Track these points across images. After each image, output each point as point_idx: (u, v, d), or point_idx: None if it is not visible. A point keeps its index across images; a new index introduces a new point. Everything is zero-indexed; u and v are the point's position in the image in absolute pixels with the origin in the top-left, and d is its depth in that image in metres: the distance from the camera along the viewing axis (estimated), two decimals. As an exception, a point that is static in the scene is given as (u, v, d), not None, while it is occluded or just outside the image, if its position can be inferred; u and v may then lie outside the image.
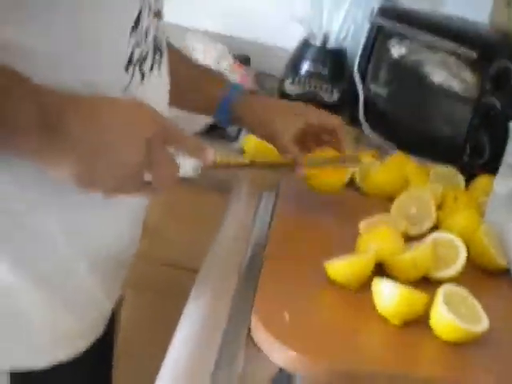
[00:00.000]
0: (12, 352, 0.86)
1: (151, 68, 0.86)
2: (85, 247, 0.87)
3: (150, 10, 0.83)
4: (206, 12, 1.94)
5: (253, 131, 1.16)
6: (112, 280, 0.97)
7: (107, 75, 0.79)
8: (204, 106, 1.15)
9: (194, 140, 0.81)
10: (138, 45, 0.81)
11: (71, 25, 0.73)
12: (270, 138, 1.11)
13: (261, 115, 1.10)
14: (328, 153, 1.10)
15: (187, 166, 0.82)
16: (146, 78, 0.84)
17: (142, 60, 0.83)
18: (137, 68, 0.82)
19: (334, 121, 1.13)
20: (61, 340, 0.91)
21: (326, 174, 1.10)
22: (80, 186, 0.73)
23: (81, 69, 0.76)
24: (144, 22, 0.82)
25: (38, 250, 0.83)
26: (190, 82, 1.10)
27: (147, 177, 0.76)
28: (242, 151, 1.42)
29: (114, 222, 0.90)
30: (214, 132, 1.51)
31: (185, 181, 0.81)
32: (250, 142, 1.31)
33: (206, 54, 1.64)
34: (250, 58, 1.85)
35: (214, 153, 0.80)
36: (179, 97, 1.02)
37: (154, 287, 1.48)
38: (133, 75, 0.81)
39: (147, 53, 0.84)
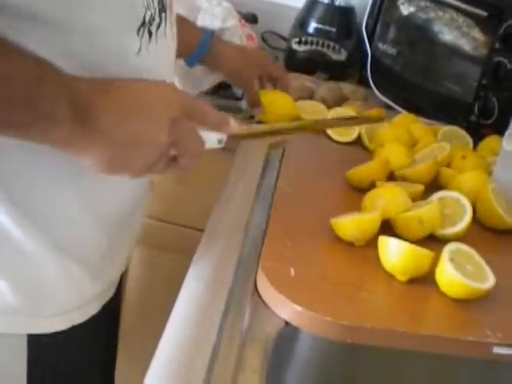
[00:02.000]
0: (29, 317, 0.88)
1: (158, 27, 0.86)
2: (95, 209, 0.88)
3: None
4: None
5: (223, 76, 1.35)
6: (122, 241, 0.98)
7: (121, 39, 0.79)
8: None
9: (216, 113, 0.82)
10: (148, 7, 0.82)
11: None
12: (238, 83, 1.35)
13: (231, 63, 1.29)
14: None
15: (212, 137, 0.82)
16: (152, 38, 0.84)
17: (151, 21, 0.83)
18: (146, 29, 0.82)
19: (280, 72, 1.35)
20: (76, 303, 0.92)
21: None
22: (110, 173, 0.75)
23: (94, 32, 0.76)
24: None
25: (51, 213, 0.84)
26: None
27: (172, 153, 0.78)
28: (247, 110, 1.42)
29: (113, 185, 0.89)
30: (219, 92, 1.51)
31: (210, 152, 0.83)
32: (267, 95, 1.30)
33: (211, 12, 1.62)
34: (257, 17, 1.83)
35: (236, 124, 0.83)
36: None
37: (160, 245, 1.48)
38: (142, 36, 0.82)
39: (154, 13, 0.84)
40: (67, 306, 0.91)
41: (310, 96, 1.45)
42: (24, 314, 0.87)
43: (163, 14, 0.88)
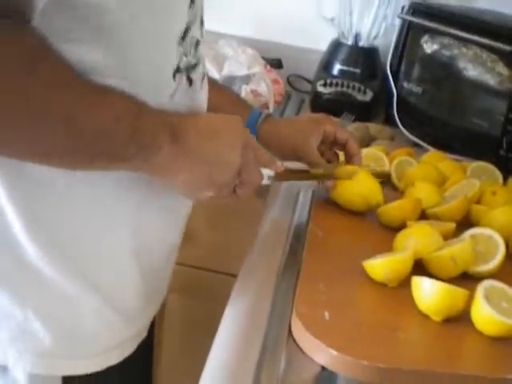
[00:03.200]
0: (65, 358, 0.89)
1: (202, 77, 0.92)
2: (136, 253, 0.90)
3: (201, 22, 0.90)
4: (236, 17, 1.95)
5: (277, 153, 1.15)
6: (158, 286, 1.00)
7: (154, 82, 0.82)
8: None
9: (267, 152, 0.94)
10: (185, 55, 0.85)
11: (115, 39, 0.76)
12: (295, 157, 1.13)
13: (282, 138, 1.14)
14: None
15: (264, 174, 0.91)
16: (193, 86, 0.89)
17: (191, 68, 0.87)
18: (184, 76, 0.86)
19: (345, 134, 1.15)
20: (111, 345, 0.93)
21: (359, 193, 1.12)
22: (198, 189, 0.85)
23: (126, 77, 0.78)
24: (194, 33, 0.87)
25: (93, 255, 0.86)
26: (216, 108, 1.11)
27: None
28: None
29: (159, 227, 0.93)
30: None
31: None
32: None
33: (237, 59, 1.65)
34: (281, 62, 1.86)
35: (280, 164, 0.94)
36: None
37: (193, 291, 1.49)
38: (179, 83, 0.85)
39: (197, 62, 0.89)
40: (103, 346, 0.92)
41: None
42: (60, 356, 0.88)
43: (201, 65, 0.92)
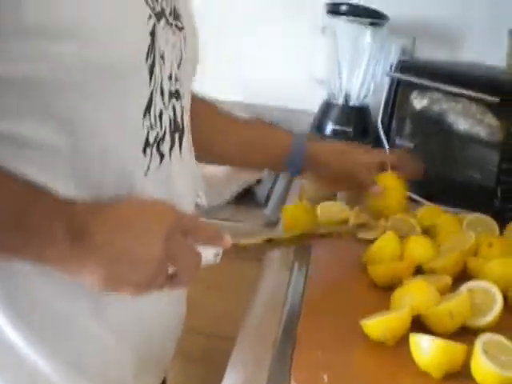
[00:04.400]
0: None
1: (171, 148, 0.87)
2: (129, 338, 0.88)
3: (162, 92, 0.84)
4: (226, 82, 1.98)
5: (328, 176, 1.19)
6: (153, 363, 0.97)
7: (125, 160, 0.80)
8: (271, 165, 1.21)
9: (211, 228, 0.83)
10: (152, 128, 0.82)
11: (80, 118, 0.76)
12: (349, 180, 1.18)
13: (332, 162, 1.15)
14: None
15: (208, 253, 0.83)
16: (165, 159, 0.86)
17: (160, 141, 0.84)
18: (154, 150, 0.83)
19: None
20: None
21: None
22: (107, 290, 0.76)
23: (95, 154, 0.78)
24: (157, 105, 0.83)
25: (67, 331, 0.84)
26: (251, 143, 1.14)
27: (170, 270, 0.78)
28: (270, 217, 1.43)
29: (155, 309, 0.91)
30: (243, 199, 1.53)
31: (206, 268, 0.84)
32: (288, 211, 1.31)
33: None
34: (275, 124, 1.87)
35: (230, 238, 0.83)
36: (244, 158, 1.13)
37: (191, 357, 1.47)
38: (151, 157, 0.83)
39: (164, 134, 0.85)
40: None
41: (332, 197, 1.46)
42: None
43: (176, 135, 0.89)
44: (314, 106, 1.86)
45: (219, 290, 1.44)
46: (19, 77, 0.71)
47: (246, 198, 1.54)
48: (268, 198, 1.56)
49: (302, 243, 1.15)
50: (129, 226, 0.75)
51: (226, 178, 1.53)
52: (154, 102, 0.82)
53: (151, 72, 0.81)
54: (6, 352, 0.81)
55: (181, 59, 0.89)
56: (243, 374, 0.90)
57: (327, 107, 1.82)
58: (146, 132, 0.82)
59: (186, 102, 0.93)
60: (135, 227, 0.76)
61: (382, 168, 1.18)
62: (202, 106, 1.11)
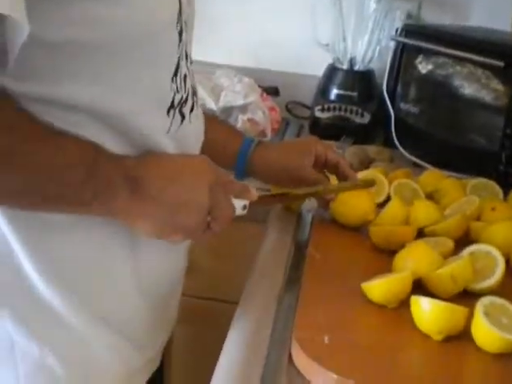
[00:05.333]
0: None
1: (191, 110, 0.92)
2: (142, 283, 0.91)
3: (187, 58, 0.90)
4: (232, 47, 1.97)
5: (271, 179, 1.17)
6: (165, 315, 1.01)
7: (151, 120, 0.84)
8: (222, 162, 1.16)
9: (239, 182, 0.92)
10: (177, 90, 0.86)
11: (114, 77, 0.78)
12: (290, 179, 1.13)
13: (274, 162, 1.14)
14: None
15: (237, 205, 0.90)
16: (186, 120, 0.90)
17: (182, 104, 0.88)
18: (177, 111, 0.87)
19: (336, 155, 1.16)
20: (123, 375, 0.94)
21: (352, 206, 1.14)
22: (163, 234, 0.84)
23: (125, 115, 0.80)
24: (182, 70, 0.88)
25: (99, 286, 0.87)
26: (212, 141, 1.11)
27: None
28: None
29: (160, 262, 0.94)
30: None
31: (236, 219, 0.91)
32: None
33: (233, 89, 1.67)
34: (278, 89, 1.87)
35: (255, 190, 0.92)
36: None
37: (196, 321, 1.49)
38: (173, 118, 0.87)
39: (187, 97, 0.90)
40: (114, 377, 0.93)
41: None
42: None
43: (195, 98, 0.94)
44: (318, 70, 1.85)
45: (222, 254, 1.45)
46: (68, 40, 0.73)
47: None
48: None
49: (316, 197, 1.16)
50: (179, 176, 0.82)
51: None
52: (180, 66, 0.86)
53: (180, 37, 0.85)
54: (34, 303, 0.84)
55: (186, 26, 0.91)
56: (245, 335, 0.90)
57: (332, 72, 1.81)
58: (172, 95, 0.85)
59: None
60: (184, 178, 0.83)
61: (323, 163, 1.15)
62: None
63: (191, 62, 0.94)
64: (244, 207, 0.91)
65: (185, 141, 0.90)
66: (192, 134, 0.94)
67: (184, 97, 0.89)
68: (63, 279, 0.84)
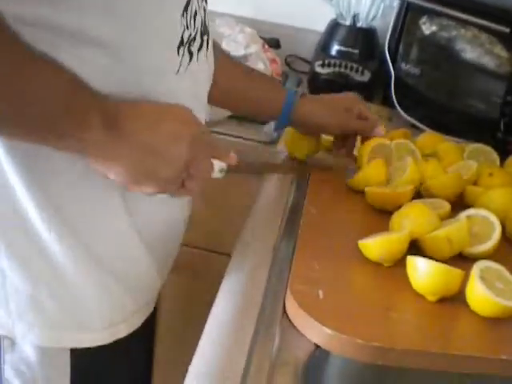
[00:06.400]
0: (73, 331, 0.90)
1: (199, 49, 0.89)
2: (138, 225, 0.90)
3: None
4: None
5: (310, 132, 1.22)
6: (164, 258, 1.00)
7: (161, 58, 0.82)
8: (264, 115, 1.25)
9: (220, 143, 0.87)
10: (187, 27, 0.84)
11: (124, 9, 0.76)
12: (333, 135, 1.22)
13: (320, 120, 1.17)
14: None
15: (215, 167, 0.86)
16: (193, 59, 0.87)
17: (191, 41, 0.86)
18: (185, 49, 0.85)
19: (374, 116, 1.20)
20: (119, 318, 0.94)
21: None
22: (135, 181, 0.79)
23: (135, 52, 0.78)
24: (193, 6, 0.85)
25: (94, 227, 0.86)
26: (249, 92, 1.17)
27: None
28: (270, 135, 1.43)
29: (166, 203, 0.93)
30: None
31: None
32: (288, 135, 1.29)
33: (234, 39, 1.64)
34: (279, 42, 1.84)
35: (235, 156, 0.87)
36: (237, 105, 1.19)
37: (189, 270, 1.49)
38: (182, 56, 0.85)
39: (195, 35, 0.87)
40: (111, 320, 0.93)
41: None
42: (68, 329, 0.90)
43: (205, 37, 0.91)
44: (321, 25, 1.82)
45: (217, 204, 1.44)
46: None
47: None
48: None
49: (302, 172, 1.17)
50: (159, 124, 0.78)
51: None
52: (191, 1, 0.84)
53: None
54: (29, 239, 0.83)
55: None
56: (239, 285, 0.90)
57: (334, 27, 1.78)
58: (182, 31, 0.83)
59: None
60: (165, 126, 0.78)
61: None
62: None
63: (206, 1, 0.92)
64: (221, 170, 0.86)
65: (195, 83, 0.89)
66: (200, 74, 0.92)
67: (193, 34, 0.86)
68: (60, 216, 0.83)
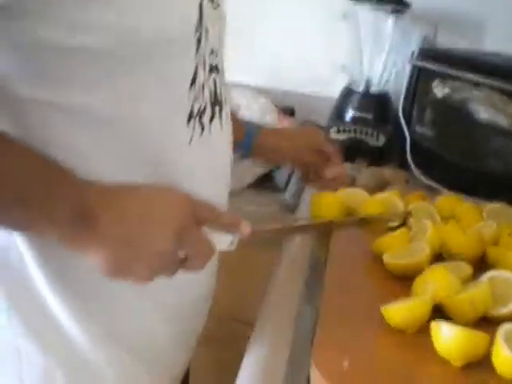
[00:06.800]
0: None
1: (211, 120, 0.89)
2: (154, 299, 0.90)
3: (204, 65, 0.86)
4: (248, 66, 1.97)
5: (267, 159, 1.32)
6: (188, 333, 1.00)
7: (171, 131, 0.82)
8: None
9: (228, 215, 0.83)
10: (196, 99, 0.85)
11: (132, 89, 0.77)
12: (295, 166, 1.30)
13: (280, 151, 1.24)
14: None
15: (224, 239, 0.83)
16: (206, 131, 0.88)
17: (201, 113, 0.86)
18: (197, 121, 0.85)
19: (329, 146, 1.26)
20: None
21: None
22: (115, 275, 0.75)
23: (144, 129, 0.79)
24: (200, 78, 0.85)
25: (105, 300, 0.86)
26: None
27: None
28: (289, 202, 1.44)
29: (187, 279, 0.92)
30: (263, 184, 1.53)
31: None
32: (316, 198, 1.30)
33: (250, 109, 1.67)
34: (294, 109, 1.87)
35: (249, 225, 0.83)
36: None
37: (211, 341, 1.48)
38: (194, 128, 0.85)
39: (205, 106, 0.87)
40: None
41: (352, 183, 1.46)
42: None
43: (217, 108, 0.91)
44: (334, 92, 1.85)
45: (239, 275, 1.44)
46: (79, 47, 0.72)
47: (265, 182, 1.53)
48: (287, 182, 1.56)
49: (327, 231, 1.16)
50: (137, 214, 0.74)
51: (247, 162, 1.53)
52: (198, 74, 0.84)
53: (198, 44, 0.83)
54: (48, 324, 0.84)
55: (219, 35, 0.91)
56: (262, 357, 0.90)
57: (348, 94, 1.81)
58: (191, 104, 0.84)
59: (223, 76, 0.95)
60: (144, 217, 0.74)
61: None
62: None
63: (218, 72, 0.92)
64: (231, 243, 0.83)
65: (210, 154, 0.90)
66: (215, 145, 0.92)
67: (203, 106, 0.87)
68: (74, 297, 0.84)
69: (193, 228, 0.77)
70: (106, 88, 0.75)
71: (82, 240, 0.73)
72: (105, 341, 0.87)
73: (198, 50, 0.83)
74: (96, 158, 0.77)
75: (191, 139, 0.85)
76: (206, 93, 0.88)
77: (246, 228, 0.83)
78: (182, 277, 0.84)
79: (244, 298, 1.46)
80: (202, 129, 0.87)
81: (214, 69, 0.90)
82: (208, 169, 0.90)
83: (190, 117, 0.84)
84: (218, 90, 0.92)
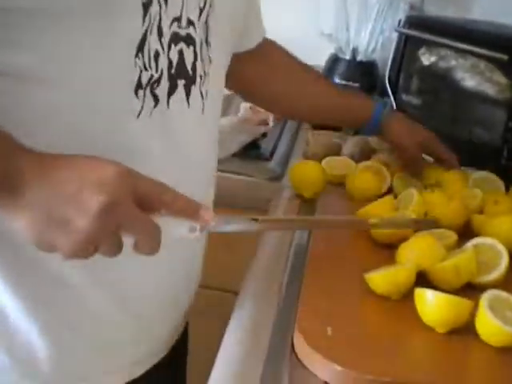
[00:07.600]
0: (92, 373, 0.90)
1: (170, 94, 0.83)
2: (127, 300, 0.89)
3: (160, 34, 0.80)
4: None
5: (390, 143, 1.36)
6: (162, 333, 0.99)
7: (114, 99, 0.78)
8: (351, 124, 1.42)
9: (184, 199, 0.74)
10: (145, 68, 0.79)
11: (68, 50, 0.74)
12: (403, 158, 1.34)
13: (399, 138, 1.31)
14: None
15: (181, 225, 0.74)
16: (161, 105, 0.82)
17: (153, 84, 0.80)
18: (148, 92, 0.80)
19: (448, 153, 1.33)
20: (136, 359, 0.94)
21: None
22: (32, 244, 0.69)
23: (82, 94, 0.76)
24: (152, 46, 0.79)
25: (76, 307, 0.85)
26: (339, 105, 1.30)
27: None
28: (275, 171, 1.43)
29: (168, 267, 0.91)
30: (248, 152, 1.52)
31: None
32: (295, 173, 1.30)
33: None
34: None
35: (211, 212, 0.75)
36: (326, 117, 1.33)
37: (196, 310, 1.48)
38: (143, 100, 0.79)
39: (159, 77, 0.81)
40: (128, 362, 0.93)
41: (338, 152, 1.45)
42: (86, 370, 0.90)
43: (180, 82, 0.84)
44: (320, 60, 1.84)
45: (224, 244, 1.44)
46: (14, 7, 0.70)
47: (250, 150, 1.52)
48: (273, 151, 1.55)
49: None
50: (67, 187, 0.68)
51: (232, 131, 1.52)
52: (147, 41, 0.78)
53: (145, 10, 0.77)
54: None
55: (204, 6, 0.85)
56: (247, 323, 0.90)
57: (334, 62, 1.80)
58: (138, 73, 0.78)
59: (214, 53, 0.89)
60: (73, 190, 0.67)
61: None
62: (300, 68, 1.38)
63: (191, 43, 0.84)
64: (191, 229, 0.74)
65: (166, 131, 0.83)
66: (176, 123, 0.84)
67: (156, 76, 0.80)
68: (23, 286, 0.82)
69: (128, 205, 0.69)
70: (43, 49, 0.72)
71: (7, 205, 0.68)
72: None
73: (145, 15, 0.77)
74: (36, 123, 0.74)
75: (140, 111, 0.79)
76: (163, 64, 0.81)
77: (207, 215, 0.74)
78: (149, 268, 0.85)
79: (227, 267, 1.45)
80: (156, 101, 0.81)
81: (182, 39, 0.82)
82: (167, 150, 0.83)
83: (139, 87, 0.78)
84: (189, 63, 0.85)
